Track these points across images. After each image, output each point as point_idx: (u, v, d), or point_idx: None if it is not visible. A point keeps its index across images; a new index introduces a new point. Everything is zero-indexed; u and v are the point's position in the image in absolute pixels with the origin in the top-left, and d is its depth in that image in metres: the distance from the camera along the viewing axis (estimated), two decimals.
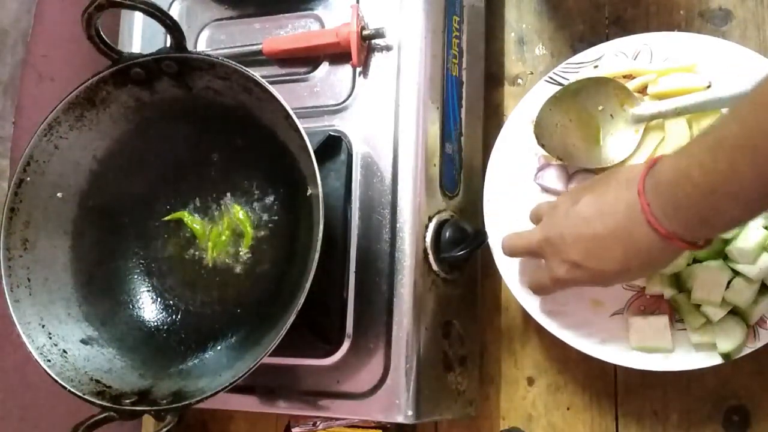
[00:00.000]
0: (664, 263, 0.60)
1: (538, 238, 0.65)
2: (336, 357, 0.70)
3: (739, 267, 0.65)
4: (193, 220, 0.78)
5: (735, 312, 0.66)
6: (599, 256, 0.60)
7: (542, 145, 0.74)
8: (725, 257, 0.66)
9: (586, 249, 0.60)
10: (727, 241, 0.66)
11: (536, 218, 0.69)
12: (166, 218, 0.78)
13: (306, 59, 0.78)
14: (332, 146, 0.73)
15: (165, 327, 0.77)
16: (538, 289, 0.70)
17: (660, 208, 0.54)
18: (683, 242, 0.55)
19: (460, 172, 0.77)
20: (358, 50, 0.73)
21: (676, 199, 0.53)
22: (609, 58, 0.75)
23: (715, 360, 0.66)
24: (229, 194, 0.77)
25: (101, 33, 0.68)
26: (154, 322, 0.77)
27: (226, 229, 0.76)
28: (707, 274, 0.66)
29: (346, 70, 0.76)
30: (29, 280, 0.71)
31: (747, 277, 0.65)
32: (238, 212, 0.76)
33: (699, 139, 0.53)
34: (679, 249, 0.57)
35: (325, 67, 0.77)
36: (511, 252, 0.70)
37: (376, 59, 0.75)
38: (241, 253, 0.76)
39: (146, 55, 0.70)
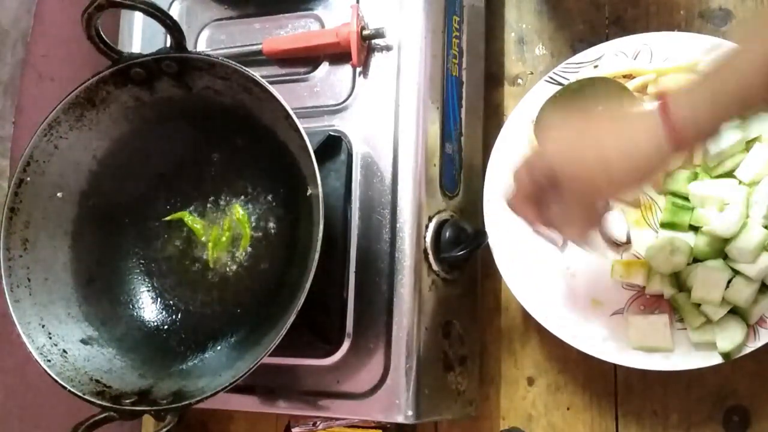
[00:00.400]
0: (645, 160, 0.56)
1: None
2: (336, 357, 0.70)
3: (739, 266, 0.65)
4: (194, 220, 0.78)
5: (735, 311, 0.66)
6: (586, 133, 0.58)
7: None
8: (725, 257, 0.66)
9: (577, 127, 0.59)
10: (727, 241, 0.66)
11: None
12: (167, 218, 0.78)
13: (306, 59, 0.78)
14: (332, 146, 0.73)
15: (165, 327, 0.77)
16: (519, 190, 0.62)
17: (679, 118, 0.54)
18: (677, 131, 0.54)
19: (460, 172, 0.77)
20: (358, 50, 0.73)
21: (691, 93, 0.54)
22: (609, 58, 0.75)
23: (715, 359, 0.66)
24: (229, 194, 0.77)
25: (101, 33, 0.68)
26: (154, 322, 0.77)
27: (226, 230, 0.77)
28: (707, 274, 0.66)
29: (346, 70, 0.76)
30: (29, 280, 0.71)
31: (747, 276, 0.65)
32: (237, 212, 0.76)
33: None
34: (669, 141, 0.54)
35: (325, 67, 0.77)
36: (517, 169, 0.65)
37: (376, 59, 0.75)
38: (241, 254, 0.76)
39: (146, 55, 0.70)
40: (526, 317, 0.77)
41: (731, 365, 0.68)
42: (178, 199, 0.79)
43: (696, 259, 0.68)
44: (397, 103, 0.73)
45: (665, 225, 0.69)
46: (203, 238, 0.77)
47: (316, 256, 0.62)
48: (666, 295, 0.69)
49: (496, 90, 0.86)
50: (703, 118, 0.54)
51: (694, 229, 0.68)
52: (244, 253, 0.76)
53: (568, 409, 0.78)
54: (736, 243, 0.65)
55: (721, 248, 0.66)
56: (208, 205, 0.78)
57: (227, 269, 0.76)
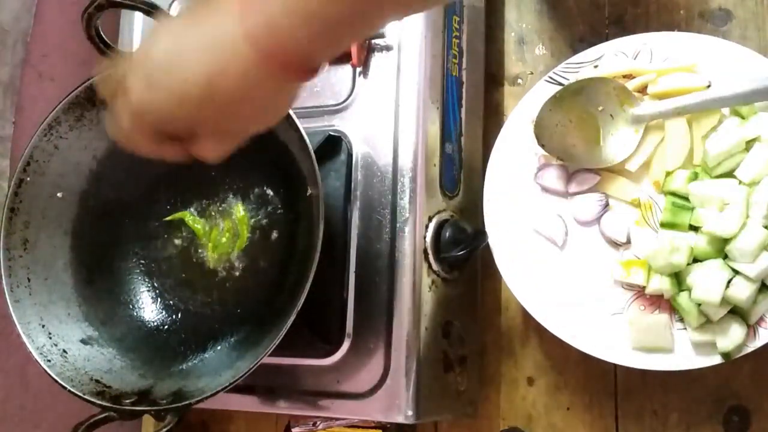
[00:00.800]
0: (261, 97, 0.49)
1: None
2: (336, 357, 0.70)
3: (739, 266, 0.65)
4: (194, 220, 0.78)
5: (735, 311, 0.66)
6: (180, 67, 0.48)
7: (542, 145, 0.74)
8: (725, 256, 0.66)
9: (166, 58, 0.49)
10: (727, 241, 0.66)
11: None
12: (168, 218, 0.78)
13: None
14: (332, 146, 0.73)
15: (165, 327, 0.77)
16: (122, 135, 0.55)
17: (257, 15, 0.45)
18: (278, 60, 0.47)
19: (460, 172, 0.77)
20: (358, 50, 0.73)
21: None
22: (609, 58, 0.75)
23: (715, 359, 0.66)
24: (229, 194, 0.77)
25: (101, 33, 0.68)
26: (154, 322, 0.77)
27: (226, 230, 0.77)
28: (707, 274, 0.66)
29: (346, 70, 0.76)
30: (29, 280, 0.71)
31: (747, 276, 0.65)
32: (238, 212, 0.76)
33: None
34: (275, 75, 0.48)
35: (325, 67, 0.77)
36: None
37: (376, 59, 0.75)
38: (241, 254, 0.76)
39: None
40: (526, 317, 0.77)
41: (731, 365, 0.68)
42: (179, 199, 0.79)
43: (696, 259, 0.68)
44: (397, 103, 0.73)
45: (665, 225, 0.69)
46: (204, 238, 0.77)
47: (316, 256, 0.62)
48: (666, 295, 0.69)
49: (496, 90, 0.86)
50: (285, 25, 0.45)
51: (694, 229, 0.68)
52: (243, 254, 0.76)
53: (568, 409, 0.78)
54: (736, 243, 0.65)
55: (721, 248, 0.66)
56: (209, 206, 0.78)
57: (227, 269, 0.76)
